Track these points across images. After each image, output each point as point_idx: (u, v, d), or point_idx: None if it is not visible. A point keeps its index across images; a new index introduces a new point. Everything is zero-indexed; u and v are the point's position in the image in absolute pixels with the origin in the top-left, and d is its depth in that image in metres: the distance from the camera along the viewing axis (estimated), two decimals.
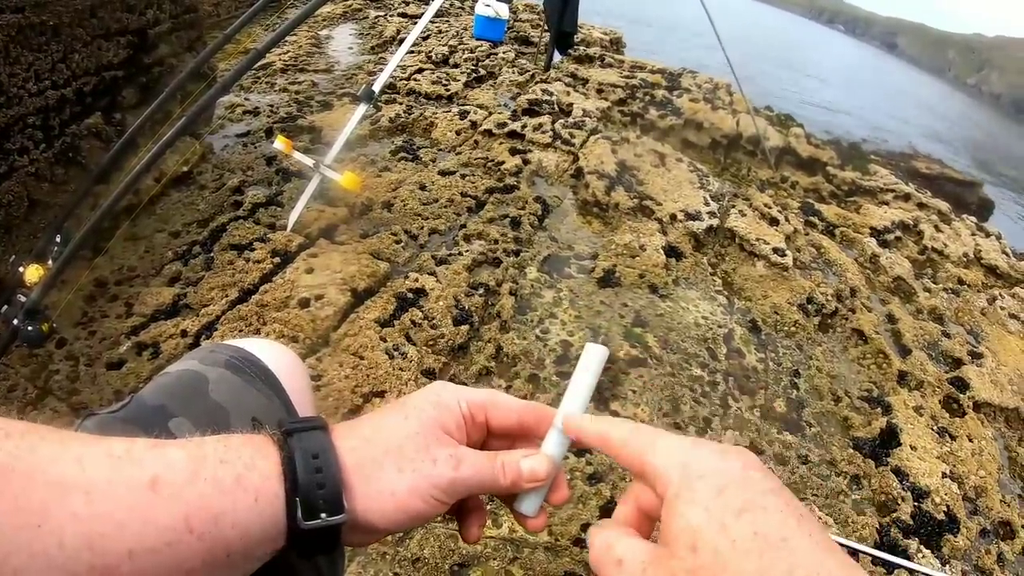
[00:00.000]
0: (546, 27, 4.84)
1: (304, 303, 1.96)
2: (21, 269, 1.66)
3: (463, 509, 0.52)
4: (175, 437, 0.54)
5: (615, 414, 1.84)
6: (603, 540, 0.41)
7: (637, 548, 0.40)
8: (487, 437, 0.51)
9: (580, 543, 1.49)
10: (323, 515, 0.40)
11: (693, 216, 2.87)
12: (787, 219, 3.12)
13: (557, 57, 4.63)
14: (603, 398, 1.89)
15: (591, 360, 0.50)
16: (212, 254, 2.14)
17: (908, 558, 1.64)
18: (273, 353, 0.68)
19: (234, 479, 0.38)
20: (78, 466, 0.34)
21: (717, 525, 0.35)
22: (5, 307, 1.61)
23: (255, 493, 0.38)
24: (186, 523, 0.36)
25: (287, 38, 4.23)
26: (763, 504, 0.36)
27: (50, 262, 1.67)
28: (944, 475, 1.90)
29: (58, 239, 1.72)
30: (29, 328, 1.56)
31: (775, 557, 0.34)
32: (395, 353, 1.86)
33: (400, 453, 0.44)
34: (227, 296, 1.96)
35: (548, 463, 0.49)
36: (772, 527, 0.35)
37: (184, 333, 1.81)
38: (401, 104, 3.56)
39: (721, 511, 0.36)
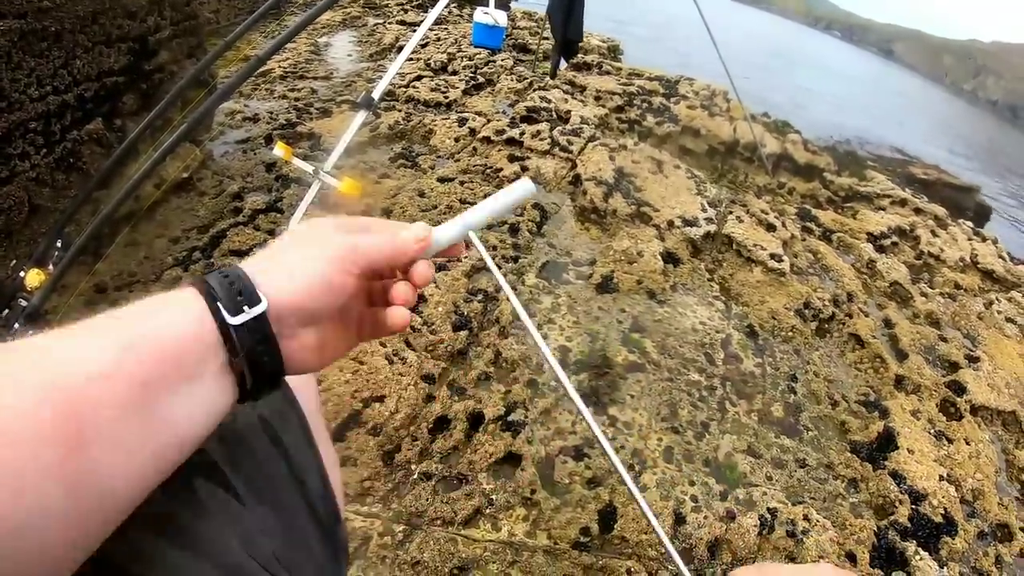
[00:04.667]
0: (546, 35, 4.87)
1: None
2: (22, 274, 1.67)
3: (385, 299, 0.54)
4: None
5: (614, 419, 1.85)
6: None
7: None
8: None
9: (579, 547, 1.49)
10: (245, 307, 0.42)
11: (690, 222, 2.89)
12: (784, 225, 3.13)
13: (562, 64, 4.65)
14: (602, 403, 1.90)
15: (516, 189, 0.59)
16: (212, 260, 2.15)
17: (906, 561, 1.65)
18: None
19: (161, 301, 0.42)
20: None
21: None
22: (6, 311, 1.62)
23: (180, 304, 0.42)
24: (128, 342, 0.38)
25: (287, 45, 4.25)
26: None
27: (51, 267, 1.68)
28: (941, 478, 1.91)
29: (59, 244, 1.73)
30: (30, 332, 1.57)
31: None
32: (395, 358, 1.86)
33: (300, 242, 0.48)
34: None
35: (428, 228, 0.53)
36: None
37: None
38: (400, 111, 3.58)
39: None
